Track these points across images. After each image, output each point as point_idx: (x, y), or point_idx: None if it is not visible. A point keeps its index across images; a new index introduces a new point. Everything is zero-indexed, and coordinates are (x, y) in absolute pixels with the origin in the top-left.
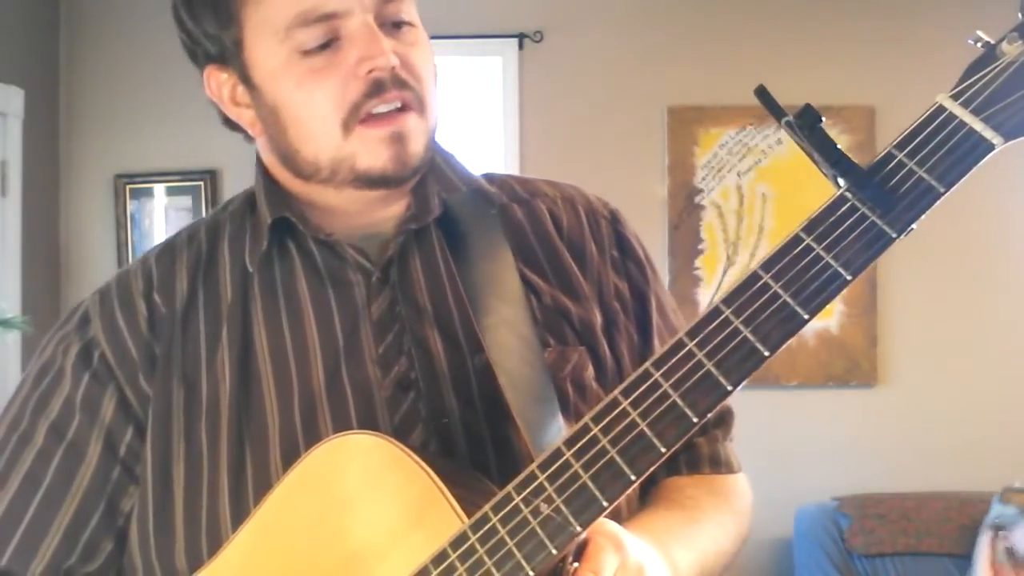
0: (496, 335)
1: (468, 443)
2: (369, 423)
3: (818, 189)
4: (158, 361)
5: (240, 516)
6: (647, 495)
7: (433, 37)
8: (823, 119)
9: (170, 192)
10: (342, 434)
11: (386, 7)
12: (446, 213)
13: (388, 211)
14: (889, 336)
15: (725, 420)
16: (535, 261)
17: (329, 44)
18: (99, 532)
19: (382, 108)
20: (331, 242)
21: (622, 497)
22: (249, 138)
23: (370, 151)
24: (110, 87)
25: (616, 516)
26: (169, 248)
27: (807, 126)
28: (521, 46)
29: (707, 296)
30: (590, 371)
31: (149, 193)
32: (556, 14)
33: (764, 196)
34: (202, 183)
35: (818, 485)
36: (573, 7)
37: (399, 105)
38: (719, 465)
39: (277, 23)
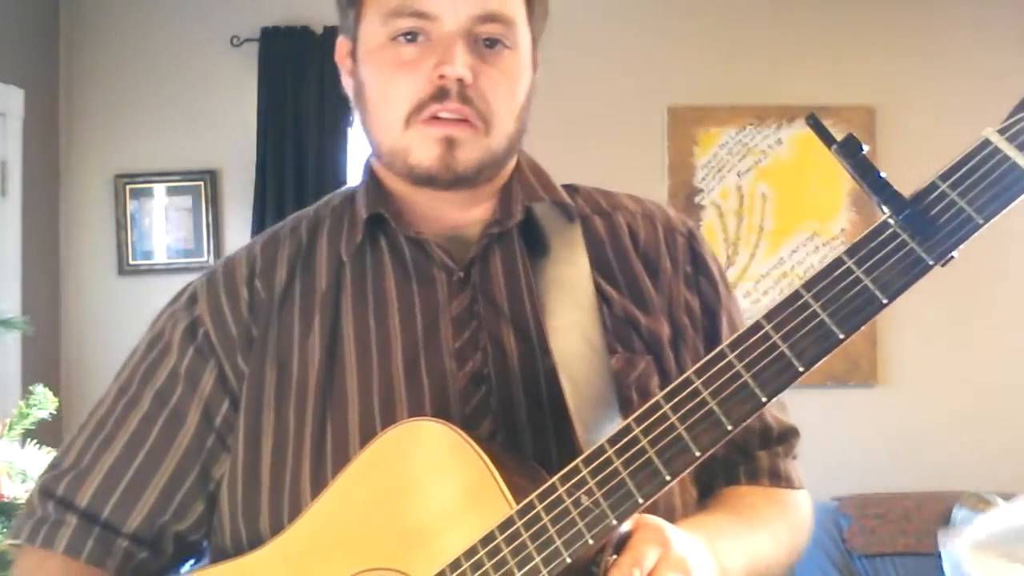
0: (565, 338)
1: (533, 438)
2: (442, 411)
3: (818, 189)
4: (255, 342)
5: (319, 487)
6: (706, 500)
7: None
8: (865, 147)
9: (170, 192)
10: (413, 419)
11: (480, 25)
12: (529, 220)
13: (473, 214)
14: (889, 336)
15: (788, 438)
16: (610, 272)
17: (416, 39)
18: (192, 493)
19: (443, 114)
20: (420, 240)
21: (659, 494)
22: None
23: (421, 148)
24: (110, 87)
25: (670, 517)
26: (273, 238)
27: (850, 154)
28: None
29: None
30: (655, 380)
31: (149, 193)
32: (556, 14)
33: (764, 196)
34: (202, 183)
35: (818, 485)
36: (572, 7)
37: (460, 118)
38: (779, 478)
39: (384, 7)
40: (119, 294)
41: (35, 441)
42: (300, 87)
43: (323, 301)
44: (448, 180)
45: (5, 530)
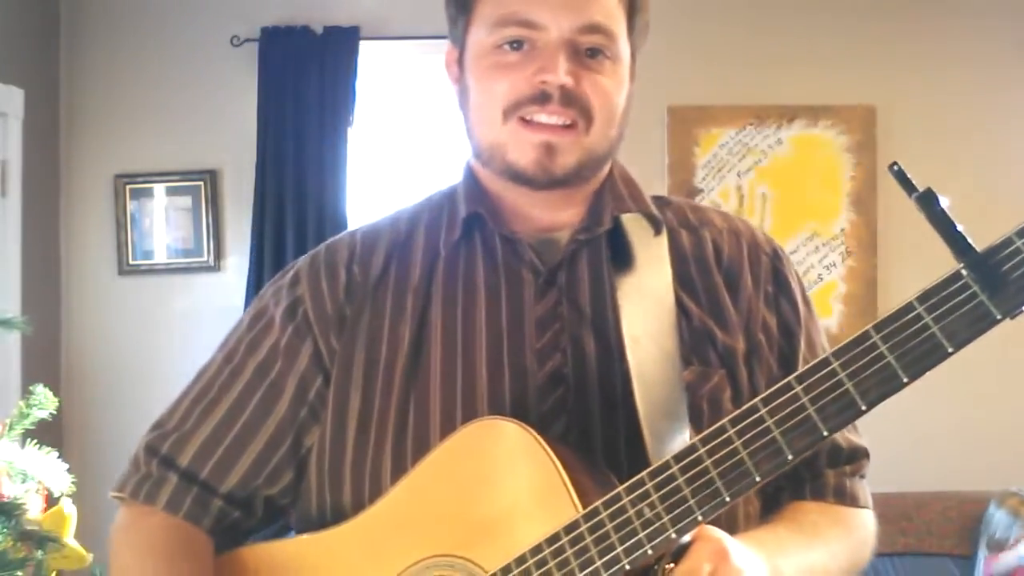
0: (642, 347)
1: (604, 441)
2: (520, 407)
3: (818, 189)
4: (347, 322)
5: (399, 468)
6: (770, 513)
7: (433, 37)
8: (942, 201)
9: (170, 192)
10: (492, 417)
11: (583, 36)
12: (617, 229)
13: (565, 217)
14: None
15: (857, 458)
16: (691, 285)
17: (521, 47)
18: (284, 461)
19: (543, 118)
20: (513, 239)
21: (717, 513)
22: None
23: (519, 148)
24: (110, 87)
25: (732, 528)
26: (374, 228)
27: (927, 206)
28: None
29: None
30: (728, 394)
31: (149, 193)
32: None
33: (764, 196)
34: (202, 183)
35: None
36: None
37: (563, 122)
38: (844, 496)
39: (492, 17)
40: (119, 294)
41: (35, 441)
42: (300, 87)
43: (416, 290)
44: (544, 182)
45: (5, 530)
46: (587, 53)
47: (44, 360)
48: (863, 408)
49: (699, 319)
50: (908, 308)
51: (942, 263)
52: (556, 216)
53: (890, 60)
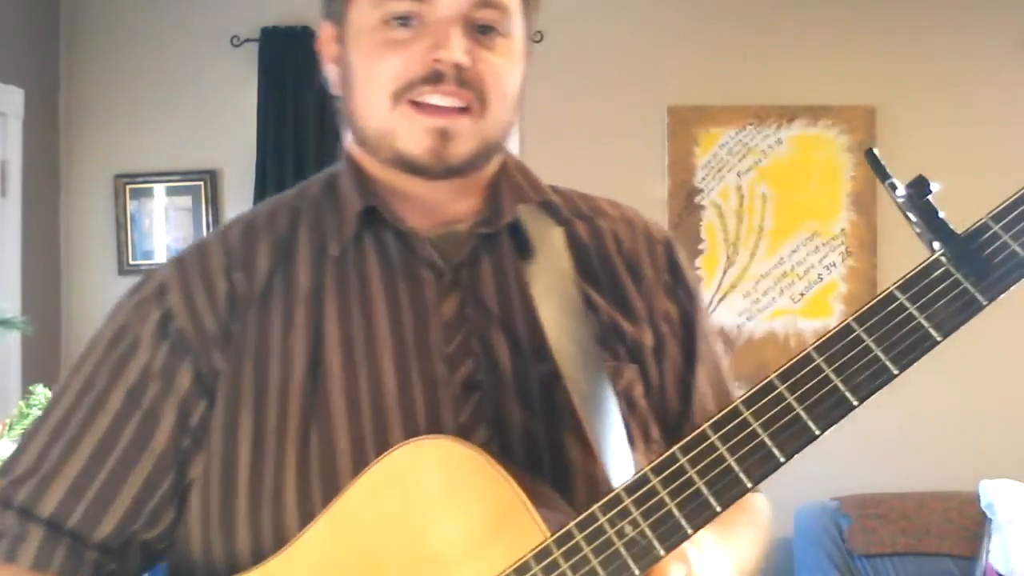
0: (560, 344)
1: (525, 448)
2: (435, 420)
3: (818, 189)
4: (233, 338)
5: (306, 501)
6: None
7: None
8: (932, 190)
9: (170, 192)
10: (424, 437)
11: (478, 11)
12: (515, 221)
13: (462, 207)
14: None
15: None
16: (595, 278)
17: (411, 23)
18: (166, 500)
19: (436, 100)
20: (409, 235)
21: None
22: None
23: (411, 135)
24: (110, 87)
25: None
26: (250, 228)
27: (917, 194)
28: None
29: (707, 296)
30: (639, 389)
31: (149, 193)
32: (556, 14)
33: (764, 196)
34: (202, 183)
35: (818, 485)
36: (573, 7)
37: (458, 105)
38: None
39: None
40: (119, 294)
41: None
42: (300, 87)
43: (306, 298)
44: (439, 171)
45: None
46: (478, 30)
47: (44, 360)
48: (855, 404)
49: (606, 313)
50: (890, 298)
51: None
52: (452, 207)
53: (890, 60)
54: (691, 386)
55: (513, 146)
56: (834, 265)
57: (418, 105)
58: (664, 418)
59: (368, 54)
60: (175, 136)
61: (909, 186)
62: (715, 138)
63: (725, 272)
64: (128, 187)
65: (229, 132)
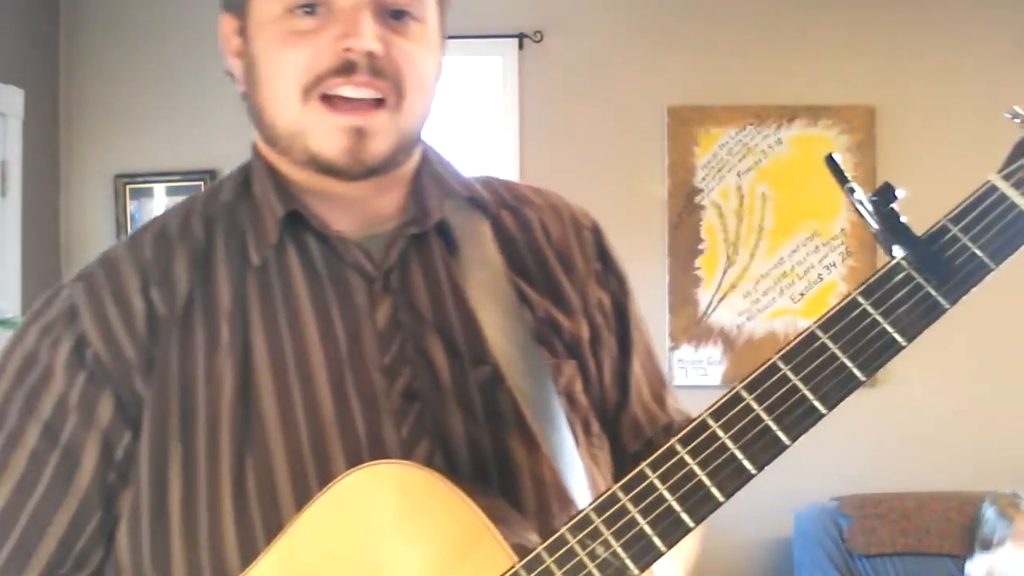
0: (498, 346)
1: (470, 456)
2: (376, 436)
3: (818, 189)
4: (155, 364)
5: (246, 537)
6: None
7: None
8: (898, 196)
9: (170, 192)
10: (376, 462)
11: None
12: (442, 219)
13: (384, 206)
14: None
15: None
16: (527, 272)
17: (316, 11)
18: (93, 540)
19: (349, 92)
20: (334, 240)
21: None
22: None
23: (325, 135)
24: (110, 87)
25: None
26: (162, 239)
27: (883, 201)
28: (521, 46)
29: (707, 296)
30: (579, 384)
31: (149, 193)
32: (556, 14)
33: (764, 196)
34: (202, 183)
35: (818, 485)
36: (573, 7)
37: (373, 97)
38: None
39: None
40: None
41: None
42: None
43: (228, 313)
44: (357, 173)
45: None
46: (391, 15)
47: None
48: (824, 412)
49: (541, 307)
50: (853, 304)
51: None
52: (375, 206)
53: (890, 60)
54: (628, 375)
55: (513, 147)
56: (834, 265)
57: (330, 101)
58: (603, 410)
59: (272, 46)
60: (175, 136)
61: (876, 194)
62: (715, 138)
63: (725, 272)
64: (128, 187)
65: (229, 132)
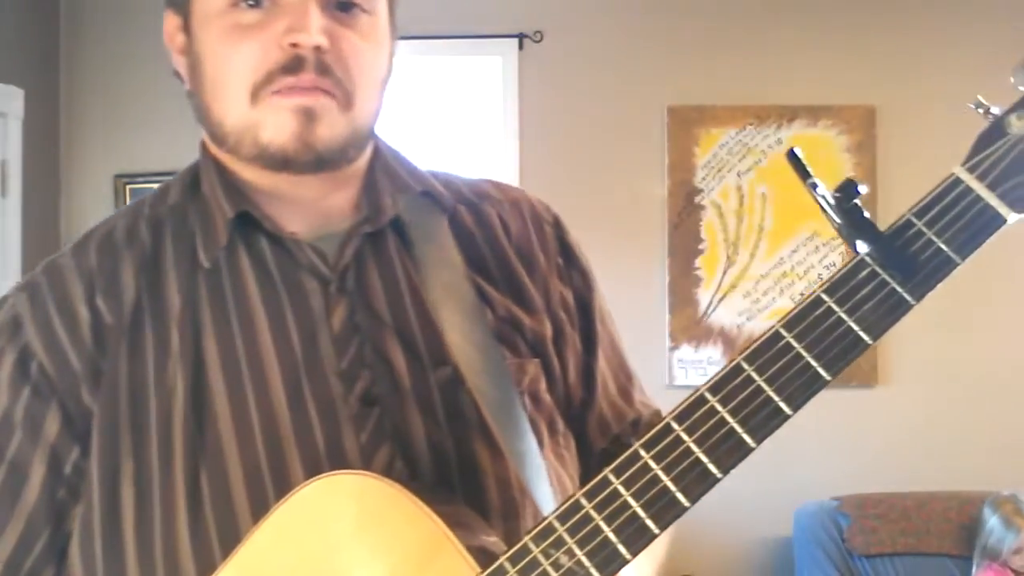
0: (458, 347)
1: (432, 460)
2: (335, 442)
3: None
4: (104, 374)
5: (203, 549)
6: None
7: (433, 37)
8: (860, 192)
9: None
10: (335, 473)
11: None
12: (397, 216)
13: (339, 203)
14: (889, 336)
15: (654, 421)
16: (486, 269)
17: (261, 3)
18: (43, 559)
19: (298, 87)
20: (286, 240)
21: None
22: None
23: (275, 122)
24: (110, 87)
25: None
26: (107, 244)
27: (846, 197)
28: (521, 46)
29: (707, 296)
30: (543, 383)
31: None
32: (556, 14)
33: (764, 196)
34: None
35: (818, 485)
36: (573, 7)
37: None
38: None
39: None
40: None
41: None
42: None
43: (179, 320)
44: (308, 161)
45: None
46: (338, 7)
47: None
48: (790, 413)
49: (502, 306)
50: (817, 302)
51: None
52: (327, 204)
53: (890, 60)
54: (593, 371)
55: (513, 147)
56: (834, 265)
57: (280, 91)
58: (569, 408)
59: (217, 42)
60: (175, 136)
61: (838, 190)
62: (715, 138)
63: (725, 272)
64: (128, 187)
65: None
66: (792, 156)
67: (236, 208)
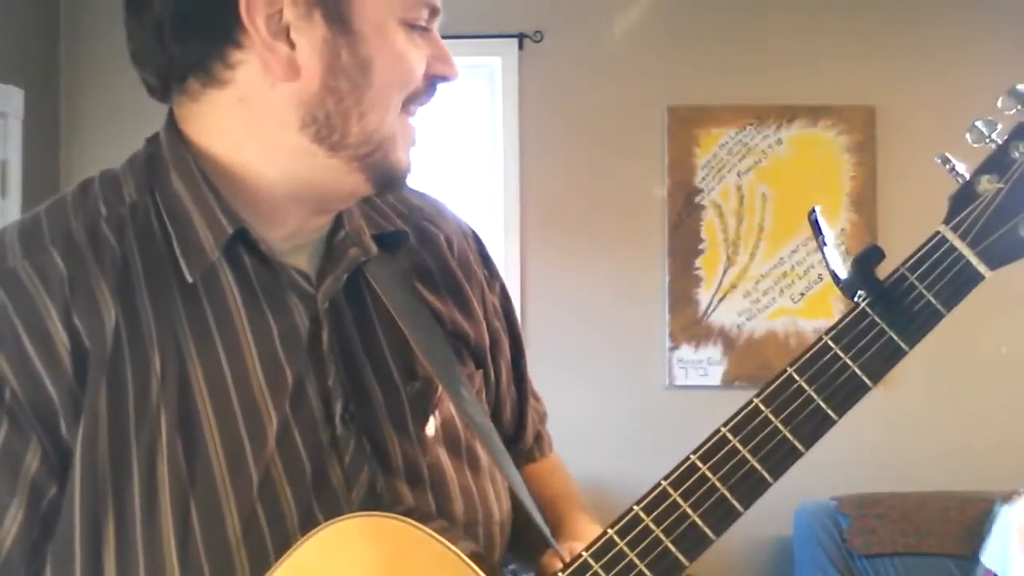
0: (423, 363)
1: (407, 475)
2: (320, 468)
3: (818, 189)
4: (84, 405)
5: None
6: (528, 481)
7: None
8: (882, 259)
9: None
10: (347, 516)
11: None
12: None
13: (313, 220)
14: None
15: (542, 413)
16: (433, 284)
17: (427, 31)
18: None
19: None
20: (273, 262)
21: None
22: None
23: (404, 141)
24: (110, 87)
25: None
26: (74, 251)
27: (868, 262)
28: (521, 46)
29: (707, 296)
30: (485, 394)
31: None
32: (556, 14)
33: (764, 196)
34: None
35: (818, 484)
36: (573, 7)
37: None
38: (551, 445)
39: None
40: None
41: None
42: None
43: (158, 341)
44: (398, 186)
45: None
46: None
47: None
48: (802, 451)
49: (451, 320)
50: (825, 349)
51: None
52: (308, 221)
53: (890, 60)
54: (523, 374)
55: (513, 148)
56: None
57: (410, 112)
58: (503, 413)
59: (397, 51)
60: None
61: (863, 254)
62: (715, 138)
63: (725, 272)
64: None
65: None
66: (812, 219)
67: (234, 224)
